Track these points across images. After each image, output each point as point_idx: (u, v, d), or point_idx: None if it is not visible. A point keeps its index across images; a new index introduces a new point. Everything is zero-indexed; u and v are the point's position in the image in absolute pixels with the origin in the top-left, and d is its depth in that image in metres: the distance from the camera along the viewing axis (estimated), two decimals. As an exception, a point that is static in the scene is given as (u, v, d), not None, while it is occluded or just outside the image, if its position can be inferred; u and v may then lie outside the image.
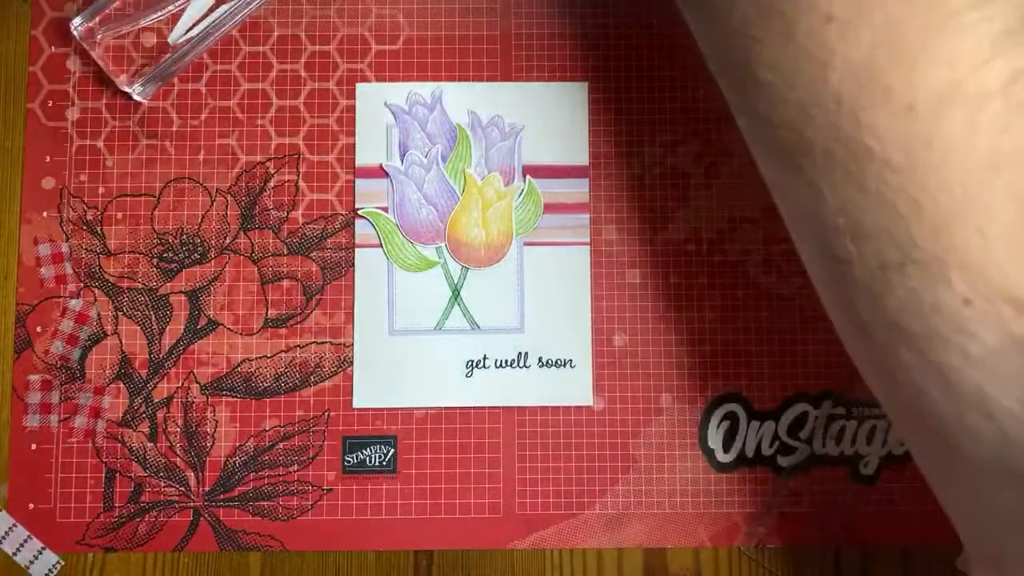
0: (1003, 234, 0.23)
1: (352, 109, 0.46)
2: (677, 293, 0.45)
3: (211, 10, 0.45)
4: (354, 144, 0.46)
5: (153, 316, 0.45)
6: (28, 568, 0.43)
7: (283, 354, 0.44)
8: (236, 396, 0.44)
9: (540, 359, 0.45)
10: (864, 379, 0.31)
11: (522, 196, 0.45)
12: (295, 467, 0.44)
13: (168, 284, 0.45)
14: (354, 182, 0.45)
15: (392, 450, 0.44)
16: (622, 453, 0.44)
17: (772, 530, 0.44)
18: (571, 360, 0.45)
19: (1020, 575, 0.26)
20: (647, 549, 0.44)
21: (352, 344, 0.44)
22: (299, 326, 0.45)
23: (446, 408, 0.44)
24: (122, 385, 0.44)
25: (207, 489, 0.44)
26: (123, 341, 0.44)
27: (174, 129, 0.46)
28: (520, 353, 0.45)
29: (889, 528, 0.44)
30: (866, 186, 0.25)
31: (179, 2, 0.45)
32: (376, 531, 0.44)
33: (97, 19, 0.45)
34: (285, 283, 0.45)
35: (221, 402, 0.44)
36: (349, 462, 0.44)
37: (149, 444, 0.44)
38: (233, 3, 0.45)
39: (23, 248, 0.45)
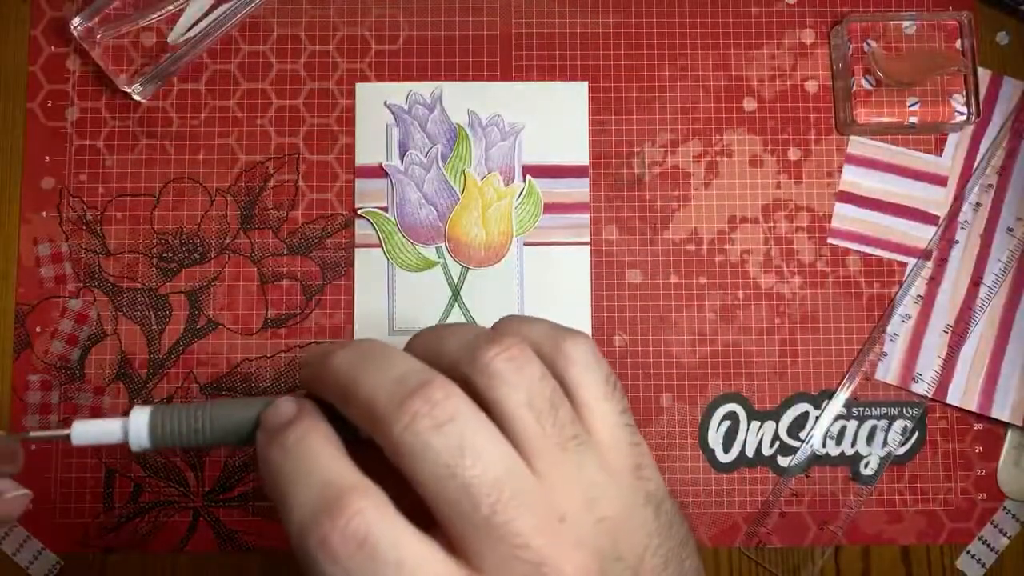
0: None
1: (352, 109, 0.46)
2: (677, 293, 0.45)
3: (211, 10, 0.45)
4: (354, 144, 0.46)
5: (153, 316, 0.44)
6: (28, 568, 0.43)
7: (283, 354, 0.44)
8: (236, 396, 0.44)
9: (540, 359, 0.44)
10: None
11: (522, 196, 0.45)
12: (295, 467, 0.44)
13: (168, 284, 0.45)
14: (354, 182, 0.45)
15: (392, 450, 0.44)
16: (622, 453, 0.44)
17: (772, 530, 0.44)
18: (571, 360, 0.45)
19: None
20: (647, 549, 0.44)
21: (352, 344, 0.44)
22: (299, 326, 0.45)
23: (446, 408, 0.44)
24: (122, 385, 0.44)
25: (207, 489, 0.44)
26: (123, 341, 0.44)
27: (174, 129, 0.46)
28: (520, 353, 0.44)
29: (889, 528, 0.44)
30: None
31: (179, 2, 0.45)
32: (376, 531, 0.43)
33: (97, 19, 0.45)
34: (285, 283, 0.45)
35: (221, 402, 0.44)
36: (349, 462, 0.44)
37: (149, 444, 0.44)
38: (233, 3, 0.45)
39: (23, 248, 0.45)
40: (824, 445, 0.45)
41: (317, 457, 0.22)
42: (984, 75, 0.47)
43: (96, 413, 0.44)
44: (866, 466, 0.44)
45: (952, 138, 0.46)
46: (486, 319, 0.45)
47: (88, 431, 0.25)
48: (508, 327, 0.25)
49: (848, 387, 0.45)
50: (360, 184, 0.45)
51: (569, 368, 0.24)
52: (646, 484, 0.24)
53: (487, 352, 0.23)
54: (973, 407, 0.45)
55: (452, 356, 0.24)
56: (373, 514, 0.21)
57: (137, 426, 0.24)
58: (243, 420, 0.24)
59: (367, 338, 0.25)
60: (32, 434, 0.28)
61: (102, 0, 0.44)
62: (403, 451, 0.21)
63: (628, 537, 0.23)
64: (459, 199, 0.45)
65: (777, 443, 0.45)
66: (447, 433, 0.21)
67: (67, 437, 0.25)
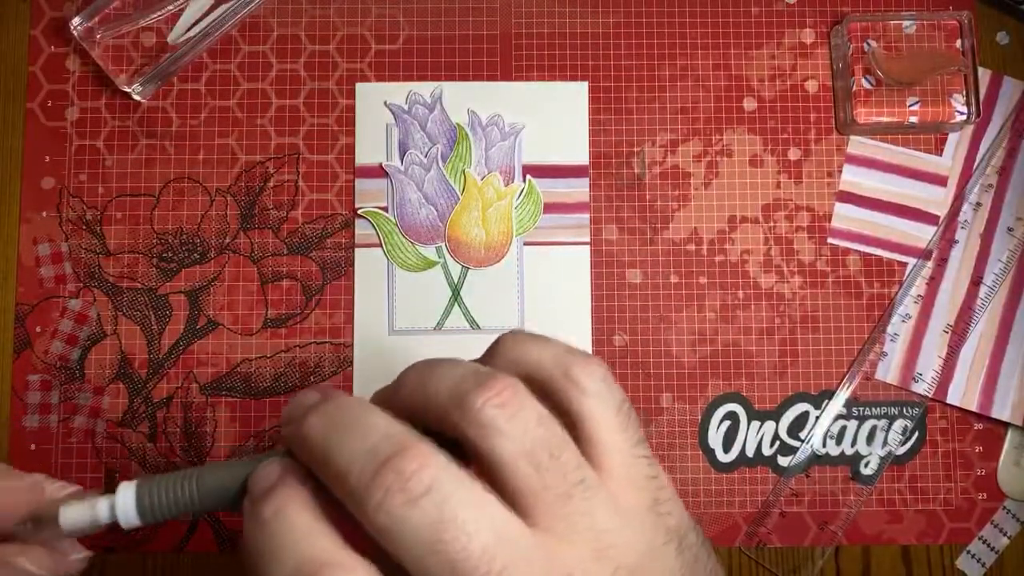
0: None
1: (352, 109, 0.46)
2: (677, 293, 0.45)
3: (211, 10, 0.45)
4: (354, 144, 0.46)
5: (153, 316, 0.44)
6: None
7: (283, 354, 0.44)
8: (236, 396, 0.44)
9: (540, 359, 0.44)
10: None
11: (522, 196, 0.45)
12: (295, 467, 0.44)
13: (168, 284, 0.45)
14: (354, 182, 0.45)
15: (392, 450, 0.44)
16: (622, 453, 0.44)
17: (772, 530, 0.44)
18: (571, 360, 0.45)
19: None
20: (647, 549, 0.44)
21: (352, 344, 0.44)
22: (299, 326, 0.45)
23: (446, 408, 0.44)
24: (122, 385, 0.44)
25: (207, 489, 0.43)
26: (122, 341, 0.44)
27: (174, 129, 0.46)
28: (520, 353, 0.45)
29: (889, 528, 0.44)
30: None
31: (179, 2, 0.45)
32: (376, 531, 0.43)
33: (96, 19, 0.45)
34: (285, 283, 0.45)
35: (221, 402, 0.44)
36: (349, 462, 0.44)
37: (148, 444, 0.44)
38: (233, 3, 0.45)
39: (23, 248, 0.45)
40: (824, 445, 0.45)
41: (294, 531, 0.20)
42: (984, 75, 0.47)
43: (96, 414, 0.44)
44: (866, 466, 0.44)
45: (952, 138, 0.46)
46: (486, 319, 0.45)
47: (75, 517, 0.24)
48: (505, 354, 0.24)
49: (848, 387, 0.45)
50: (360, 184, 0.45)
51: (579, 398, 0.22)
52: (666, 520, 0.22)
53: (476, 399, 0.21)
54: (973, 407, 0.45)
55: (440, 403, 0.22)
56: None
57: (124, 504, 0.23)
58: (230, 486, 0.23)
59: (342, 397, 0.22)
60: (16, 527, 0.26)
61: (102, 0, 0.44)
62: (381, 532, 0.19)
63: None
64: (459, 199, 0.45)
65: (777, 443, 0.45)
66: (423, 507, 0.19)
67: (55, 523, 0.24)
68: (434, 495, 0.19)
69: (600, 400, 0.22)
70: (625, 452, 0.22)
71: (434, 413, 0.22)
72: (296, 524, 0.21)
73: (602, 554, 0.21)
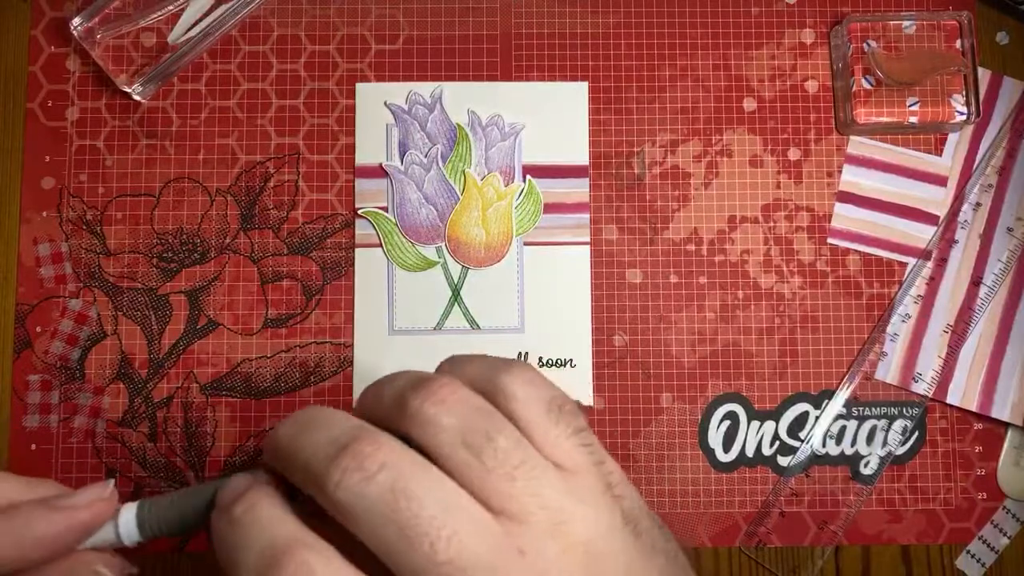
0: None
1: (352, 109, 0.46)
2: (677, 293, 0.45)
3: (211, 10, 0.45)
4: (354, 144, 0.46)
5: (153, 316, 0.44)
6: (28, 568, 0.43)
7: (283, 354, 0.44)
8: (236, 396, 0.44)
9: (540, 359, 0.45)
10: None
11: (522, 196, 0.45)
12: (295, 467, 0.44)
13: (168, 284, 0.45)
14: (354, 182, 0.45)
15: (392, 450, 0.44)
16: (622, 453, 0.44)
17: (772, 530, 0.44)
18: (571, 360, 0.45)
19: None
20: (647, 549, 0.44)
21: (352, 344, 0.44)
22: (299, 326, 0.45)
23: (446, 408, 0.44)
24: (122, 385, 0.44)
25: (207, 489, 0.44)
26: (123, 341, 0.44)
27: (174, 129, 0.46)
28: (520, 353, 0.45)
29: (889, 528, 0.44)
30: None
31: (179, 2, 0.45)
32: (376, 531, 0.43)
33: (97, 19, 0.45)
34: (285, 283, 0.45)
35: (221, 402, 0.44)
36: (349, 462, 0.44)
37: (149, 444, 0.44)
38: (233, 3, 0.45)
39: (23, 248, 0.45)
40: (824, 445, 0.45)
41: (261, 522, 0.22)
42: (984, 75, 0.47)
43: (96, 414, 0.44)
44: (866, 466, 0.44)
45: (952, 138, 0.46)
46: (486, 319, 0.45)
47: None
48: (444, 367, 0.25)
49: (848, 387, 0.45)
50: (360, 184, 0.45)
51: (507, 405, 0.23)
52: (621, 503, 0.23)
53: (414, 400, 0.22)
54: (973, 407, 0.45)
55: (386, 409, 0.23)
56: (317, 562, 0.20)
57: (127, 523, 0.26)
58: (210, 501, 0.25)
59: (311, 405, 0.24)
60: None
61: (102, 0, 0.44)
62: (340, 509, 0.21)
63: (604, 562, 0.22)
64: (459, 199, 0.45)
65: (777, 443, 0.45)
66: (379, 482, 0.21)
67: None
68: (388, 471, 0.21)
69: (526, 402, 0.23)
70: (562, 444, 0.23)
71: (382, 419, 0.23)
72: (265, 515, 0.22)
73: (556, 530, 0.21)
